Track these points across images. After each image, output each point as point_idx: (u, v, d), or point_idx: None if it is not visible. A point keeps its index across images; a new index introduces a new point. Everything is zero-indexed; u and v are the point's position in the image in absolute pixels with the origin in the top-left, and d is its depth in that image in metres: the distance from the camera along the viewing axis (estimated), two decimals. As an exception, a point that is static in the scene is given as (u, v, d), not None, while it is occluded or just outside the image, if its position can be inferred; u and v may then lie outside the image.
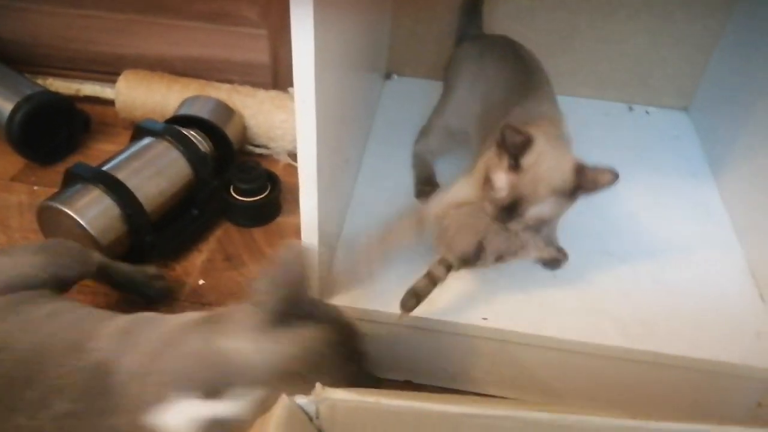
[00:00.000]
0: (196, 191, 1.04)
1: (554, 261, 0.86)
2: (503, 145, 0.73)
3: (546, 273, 0.87)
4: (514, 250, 0.79)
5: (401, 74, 1.27)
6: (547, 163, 0.73)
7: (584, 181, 0.73)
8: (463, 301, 0.83)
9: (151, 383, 0.60)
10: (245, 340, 0.61)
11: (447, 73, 1.08)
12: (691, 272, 0.91)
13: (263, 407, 0.49)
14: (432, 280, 0.76)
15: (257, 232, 1.06)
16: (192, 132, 1.06)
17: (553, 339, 0.80)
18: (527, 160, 0.73)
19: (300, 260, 0.65)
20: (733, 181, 1.04)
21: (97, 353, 0.63)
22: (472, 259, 0.78)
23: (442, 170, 1.03)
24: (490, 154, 0.77)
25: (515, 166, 0.73)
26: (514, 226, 0.77)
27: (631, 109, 1.24)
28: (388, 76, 1.27)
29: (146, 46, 1.23)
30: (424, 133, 1.07)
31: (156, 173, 0.99)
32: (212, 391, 0.58)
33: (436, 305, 0.81)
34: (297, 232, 0.76)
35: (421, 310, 0.76)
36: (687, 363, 0.80)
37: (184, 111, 1.11)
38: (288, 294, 0.62)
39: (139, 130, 1.03)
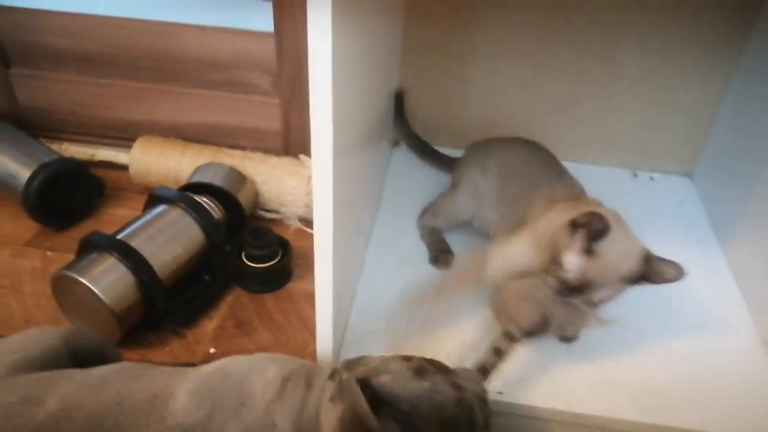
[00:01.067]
0: (208, 257, 1.05)
1: (573, 336, 0.88)
2: (584, 230, 0.74)
3: (558, 345, 0.87)
4: (576, 322, 0.81)
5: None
6: (619, 252, 0.75)
7: (651, 273, 0.76)
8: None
9: None
10: None
11: (456, 170, 1.09)
12: (703, 343, 0.91)
13: None
14: (498, 354, 0.76)
15: (268, 298, 1.06)
16: (205, 199, 1.08)
17: (566, 413, 0.80)
18: (602, 247, 0.74)
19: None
20: (740, 248, 1.06)
21: (182, 415, 0.63)
22: (536, 331, 0.78)
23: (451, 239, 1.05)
24: (559, 231, 0.78)
25: (589, 251, 0.74)
26: (575, 301, 0.78)
27: (635, 175, 1.27)
28: (395, 143, 1.30)
29: (160, 112, 1.27)
30: (430, 212, 1.08)
31: (170, 240, 1.00)
32: None
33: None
34: (308, 297, 0.77)
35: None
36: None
37: (198, 178, 1.13)
38: None
39: (153, 198, 1.05)
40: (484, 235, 1.00)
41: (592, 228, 0.74)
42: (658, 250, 1.06)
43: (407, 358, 0.67)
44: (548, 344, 0.86)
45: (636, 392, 0.83)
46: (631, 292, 0.96)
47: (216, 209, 1.08)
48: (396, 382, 0.61)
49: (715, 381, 0.85)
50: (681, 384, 0.85)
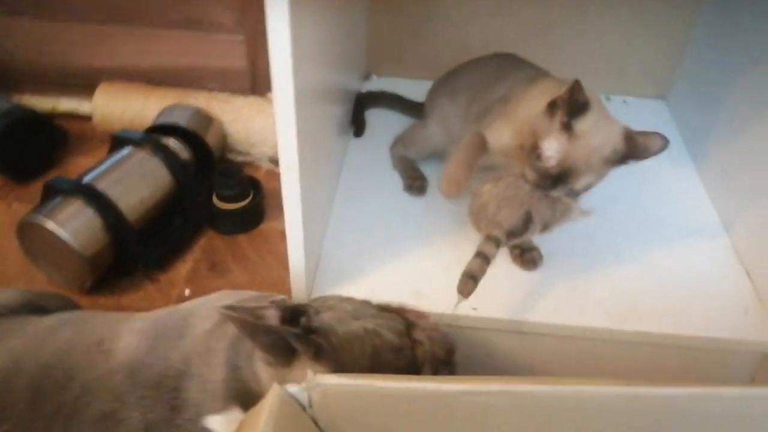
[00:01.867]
0: (178, 199, 1.03)
1: (532, 262, 0.87)
2: (566, 101, 0.70)
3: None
4: (559, 216, 0.77)
5: (380, 74, 1.27)
6: (599, 131, 0.71)
7: (635, 149, 0.72)
8: (450, 293, 0.83)
9: (210, 390, 0.60)
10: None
11: (426, 99, 1.07)
12: (676, 255, 0.92)
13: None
14: (485, 259, 0.73)
15: (242, 239, 1.05)
16: (171, 140, 1.05)
17: (539, 324, 0.81)
18: (581, 126, 0.70)
19: None
20: (713, 166, 1.06)
21: (129, 354, 0.63)
22: (520, 231, 0.75)
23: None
24: (537, 118, 0.74)
25: (568, 129, 0.70)
26: (558, 193, 0.75)
27: (608, 99, 1.26)
28: (366, 77, 1.27)
29: (121, 57, 1.23)
30: (401, 143, 1.06)
31: (137, 182, 0.98)
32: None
33: (425, 298, 0.80)
34: (282, 236, 0.75)
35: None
36: (676, 341, 0.80)
37: (163, 120, 1.11)
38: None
39: (117, 141, 1.02)
40: None
41: (573, 100, 0.69)
42: (631, 168, 1.07)
43: (365, 302, 0.67)
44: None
45: (609, 303, 0.83)
46: (605, 206, 0.97)
47: (183, 150, 1.06)
48: (333, 319, 0.60)
49: (691, 290, 0.86)
50: (655, 294, 0.85)
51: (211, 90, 1.21)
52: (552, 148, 0.71)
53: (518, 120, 0.79)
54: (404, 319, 0.67)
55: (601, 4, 1.16)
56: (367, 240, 0.90)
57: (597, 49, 1.22)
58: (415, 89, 1.12)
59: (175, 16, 1.17)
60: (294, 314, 0.59)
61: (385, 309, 0.68)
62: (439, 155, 0.99)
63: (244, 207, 1.03)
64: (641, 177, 1.05)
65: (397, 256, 0.88)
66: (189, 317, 0.67)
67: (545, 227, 0.77)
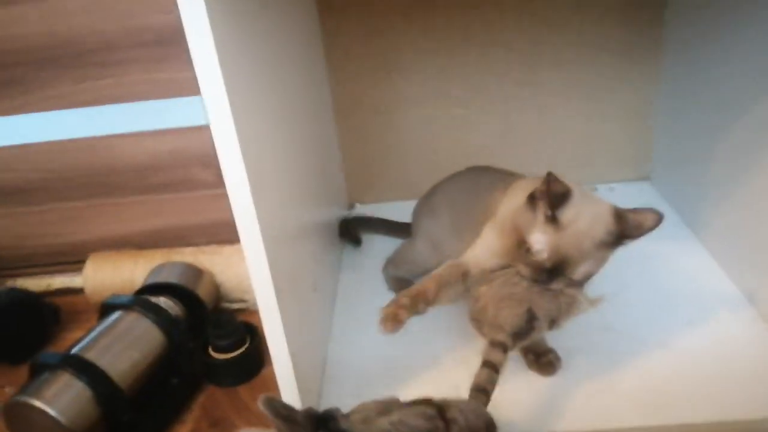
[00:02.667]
0: (173, 358, 0.99)
1: (549, 365, 0.82)
2: (545, 195, 0.67)
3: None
4: (565, 309, 0.72)
5: (363, 202, 1.29)
6: (587, 216, 0.68)
7: (628, 228, 0.68)
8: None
9: None
10: None
11: (412, 220, 1.05)
12: (701, 334, 0.87)
13: None
14: (493, 368, 0.68)
15: (243, 390, 0.99)
16: (162, 299, 1.04)
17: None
18: (566, 215, 0.67)
19: None
20: (716, 235, 1.03)
21: None
22: (526, 331, 0.70)
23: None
24: (519, 212, 0.71)
25: (553, 221, 0.67)
26: (557, 285, 0.70)
27: (595, 189, 1.25)
28: (351, 206, 1.28)
29: (107, 227, 1.25)
30: (392, 264, 1.04)
31: (127, 346, 0.95)
32: None
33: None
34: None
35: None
36: (717, 429, 0.73)
37: (152, 280, 1.10)
38: None
39: (106, 307, 1.00)
40: None
41: (551, 192, 0.67)
42: (639, 256, 1.04)
43: (393, 399, 0.62)
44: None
45: (638, 397, 0.77)
46: (616, 292, 0.93)
47: (174, 307, 1.04)
48: (361, 420, 0.56)
49: (720, 367, 0.80)
50: (687, 379, 0.79)
51: (198, 245, 1.21)
52: (540, 241, 0.68)
53: (501, 223, 0.77)
54: (435, 404, 0.61)
55: (556, 99, 1.20)
56: (371, 366, 0.86)
57: (563, 144, 1.24)
58: (399, 211, 1.12)
59: (154, 182, 1.21)
60: (323, 419, 0.56)
61: (413, 402, 0.62)
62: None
63: (242, 355, 0.99)
64: (649, 262, 1.01)
65: (402, 381, 0.83)
66: None
67: (553, 323, 0.73)
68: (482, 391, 0.67)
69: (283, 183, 0.73)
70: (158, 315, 0.99)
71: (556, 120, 1.21)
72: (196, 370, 1.01)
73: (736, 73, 0.93)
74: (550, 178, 0.67)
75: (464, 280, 0.77)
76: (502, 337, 0.70)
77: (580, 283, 0.72)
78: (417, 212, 1.04)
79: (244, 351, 1.00)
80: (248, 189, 0.60)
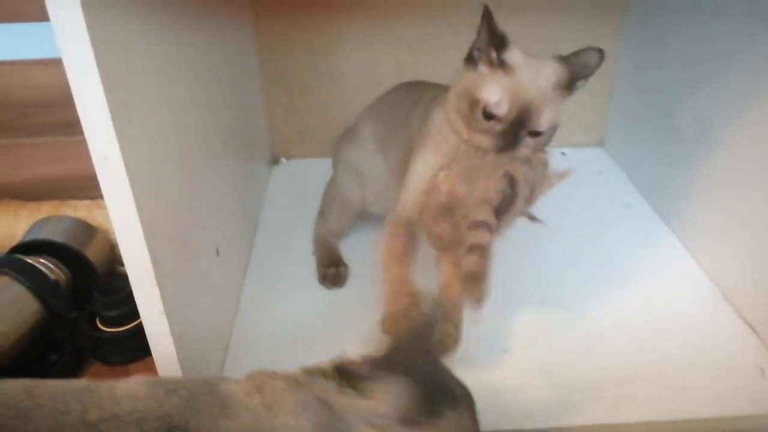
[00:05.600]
0: (51, 330, 0.84)
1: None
2: (487, 36, 0.60)
3: (495, 349, 0.70)
4: (539, 175, 0.63)
5: (289, 156, 1.14)
6: (533, 60, 0.62)
7: (576, 67, 0.62)
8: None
9: None
10: None
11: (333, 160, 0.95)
12: (658, 313, 0.78)
13: None
14: (482, 251, 0.58)
15: (135, 369, 0.85)
16: (40, 260, 0.87)
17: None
18: (512, 58, 0.61)
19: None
20: (670, 203, 0.95)
21: None
22: (510, 198, 0.61)
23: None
24: (460, 79, 0.64)
25: (501, 66, 0.60)
26: (522, 151, 0.62)
27: (545, 152, 1.15)
28: (275, 161, 1.13)
29: (-15, 173, 1.06)
30: (322, 215, 0.94)
31: (-9, 316, 0.79)
32: None
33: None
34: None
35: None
36: (687, 427, 0.64)
37: (32, 236, 0.93)
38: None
39: (-33, 268, 0.83)
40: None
41: (493, 30, 0.60)
42: (589, 220, 0.95)
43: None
44: (492, 359, 0.70)
45: (600, 391, 0.67)
46: (570, 270, 0.83)
47: (56, 270, 0.88)
48: None
49: (687, 357, 0.71)
50: (650, 369, 0.70)
51: (95, 198, 1.04)
52: (495, 92, 0.60)
53: (436, 131, 0.69)
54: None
55: (517, 44, 1.07)
56: (283, 340, 0.73)
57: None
58: (329, 167, 0.98)
59: (45, 121, 1.03)
60: None
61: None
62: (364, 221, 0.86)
63: (134, 328, 0.84)
64: (602, 230, 0.93)
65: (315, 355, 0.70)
66: None
67: (532, 192, 0.63)
68: (474, 278, 0.57)
69: (170, 129, 0.58)
70: (33, 279, 0.83)
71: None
72: (80, 345, 0.86)
73: (698, 41, 0.86)
74: (488, 15, 0.60)
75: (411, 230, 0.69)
76: (483, 214, 0.59)
77: (543, 141, 0.64)
78: (336, 145, 0.93)
79: (137, 324, 0.85)
80: (112, 132, 0.46)
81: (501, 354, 0.71)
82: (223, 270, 0.76)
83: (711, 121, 0.82)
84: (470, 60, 0.63)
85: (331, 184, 0.92)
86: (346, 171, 0.88)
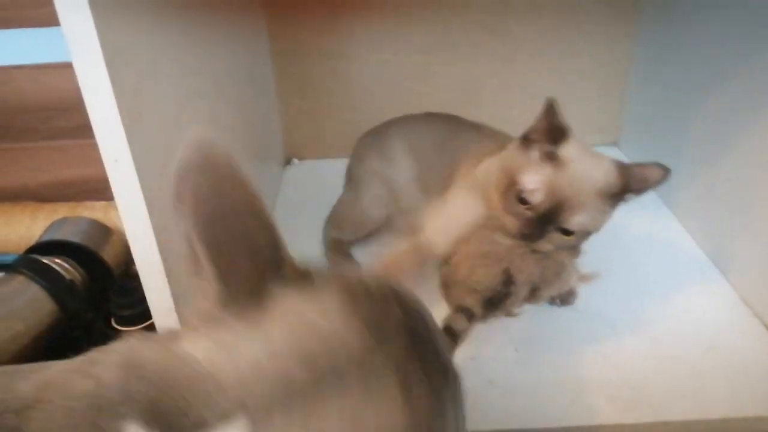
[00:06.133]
0: (68, 330, 0.85)
1: (570, 293, 0.71)
2: (544, 126, 0.59)
3: (507, 348, 0.70)
4: (551, 277, 0.63)
5: (301, 158, 1.14)
6: (587, 160, 0.60)
7: (632, 181, 0.60)
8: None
9: None
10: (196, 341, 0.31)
11: (350, 168, 0.92)
12: (674, 315, 0.76)
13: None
14: (453, 336, 0.59)
15: (149, 367, 0.86)
16: (56, 260, 0.88)
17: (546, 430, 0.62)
18: (566, 152, 0.59)
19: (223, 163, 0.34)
20: (688, 205, 0.93)
21: None
22: (500, 295, 0.61)
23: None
24: (508, 154, 0.62)
25: (551, 158, 0.59)
26: (544, 245, 0.61)
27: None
28: (287, 162, 1.14)
29: (3, 177, 1.07)
30: (335, 225, 0.91)
31: (8, 316, 0.80)
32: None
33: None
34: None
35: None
36: (700, 428, 0.63)
37: (48, 237, 0.94)
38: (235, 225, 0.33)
39: (-15, 268, 0.85)
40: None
41: (552, 122, 0.59)
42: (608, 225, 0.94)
43: None
44: (504, 359, 0.69)
45: (611, 390, 0.66)
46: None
47: (72, 270, 0.89)
48: None
49: (702, 358, 0.70)
50: (664, 371, 0.68)
51: (110, 200, 1.05)
52: (534, 180, 0.59)
53: (475, 188, 0.67)
54: None
55: (527, 52, 1.07)
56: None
57: (531, 101, 1.10)
58: (343, 169, 0.98)
59: (62, 125, 1.04)
60: None
61: None
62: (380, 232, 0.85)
63: (149, 328, 0.85)
64: (617, 232, 0.91)
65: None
66: None
67: (534, 293, 0.63)
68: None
69: (183, 132, 0.59)
70: (49, 279, 0.84)
71: (523, 75, 1.09)
72: (95, 345, 0.86)
73: (712, 40, 0.84)
74: (550, 107, 0.59)
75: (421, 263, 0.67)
76: (471, 301, 0.61)
77: (571, 242, 0.63)
78: (360, 157, 0.89)
79: (151, 323, 0.86)
80: (123, 136, 0.47)
81: (512, 353, 0.70)
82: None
83: (728, 120, 0.81)
84: (525, 140, 0.62)
85: (355, 198, 0.87)
86: (376, 187, 0.84)
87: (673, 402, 0.64)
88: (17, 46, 0.99)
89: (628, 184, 0.61)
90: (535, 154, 0.60)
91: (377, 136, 0.88)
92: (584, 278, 0.65)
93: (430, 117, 0.85)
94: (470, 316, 0.60)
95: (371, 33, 1.04)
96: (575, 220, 0.60)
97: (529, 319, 0.74)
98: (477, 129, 0.80)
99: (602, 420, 0.62)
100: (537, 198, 0.59)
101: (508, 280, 0.61)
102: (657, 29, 1.01)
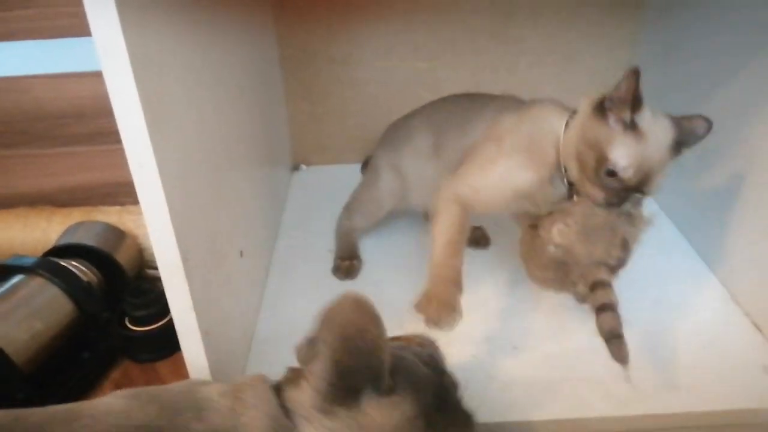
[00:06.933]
0: (84, 330, 0.87)
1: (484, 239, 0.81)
2: (627, 96, 0.60)
3: (506, 346, 0.72)
4: (636, 231, 0.65)
5: (309, 164, 1.17)
6: (659, 123, 0.62)
7: (686, 135, 0.63)
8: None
9: None
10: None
11: (371, 158, 0.95)
12: (667, 314, 0.79)
13: None
14: (613, 310, 0.61)
15: (161, 366, 0.88)
16: (73, 263, 0.91)
17: (528, 423, 0.65)
18: (644, 121, 0.61)
19: (361, 308, 0.46)
20: (682, 207, 0.95)
21: None
22: (624, 261, 0.64)
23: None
24: (587, 127, 0.63)
25: (633, 128, 0.60)
26: (628, 205, 0.64)
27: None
28: (295, 167, 1.17)
29: (22, 182, 1.11)
30: (350, 209, 0.95)
31: (28, 316, 0.82)
32: None
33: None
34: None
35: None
36: (690, 420, 0.65)
37: (65, 241, 0.97)
38: (349, 356, 0.44)
39: (6, 269, 0.87)
40: (422, 208, 0.89)
41: (636, 93, 0.60)
42: None
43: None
44: (503, 355, 0.72)
45: (607, 386, 0.68)
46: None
47: (88, 272, 0.92)
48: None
49: (693, 355, 0.73)
50: (656, 366, 0.71)
51: (125, 204, 1.08)
52: (625, 156, 0.61)
53: (534, 150, 0.68)
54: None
55: (529, 57, 1.10)
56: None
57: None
58: (351, 174, 1.01)
59: (76, 131, 1.07)
60: None
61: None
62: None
63: (162, 327, 0.88)
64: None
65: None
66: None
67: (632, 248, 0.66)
68: (618, 336, 0.59)
69: (199, 138, 0.62)
70: (67, 280, 0.87)
71: (527, 80, 1.11)
72: (111, 344, 0.89)
73: (711, 48, 0.86)
74: (635, 76, 0.60)
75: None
76: (604, 274, 0.63)
77: (640, 201, 0.66)
78: (380, 145, 0.93)
79: (164, 323, 0.88)
80: (148, 141, 0.49)
81: (511, 350, 0.73)
82: (246, 271, 0.80)
83: (724, 122, 0.83)
84: (600, 109, 0.63)
85: (369, 184, 0.92)
86: (390, 174, 0.88)
87: (665, 396, 0.66)
88: (35, 57, 1.02)
89: (683, 138, 0.63)
90: (616, 124, 0.61)
91: (399, 125, 0.91)
92: (649, 222, 0.66)
93: (449, 99, 0.88)
94: (610, 285, 0.62)
95: (378, 40, 1.07)
96: (657, 185, 0.63)
97: (528, 318, 0.76)
98: (490, 96, 0.82)
99: (596, 413, 0.64)
100: (629, 173, 0.61)
101: (625, 245, 0.63)
102: (657, 35, 1.03)
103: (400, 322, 0.76)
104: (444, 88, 1.09)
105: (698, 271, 0.86)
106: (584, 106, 0.65)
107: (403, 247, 0.93)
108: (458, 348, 0.73)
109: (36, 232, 1.04)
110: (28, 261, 0.88)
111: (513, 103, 0.76)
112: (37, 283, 0.86)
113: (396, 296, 0.80)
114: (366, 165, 1.02)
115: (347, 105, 1.12)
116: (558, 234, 0.64)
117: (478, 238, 0.93)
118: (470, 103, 0.81)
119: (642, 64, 1.04)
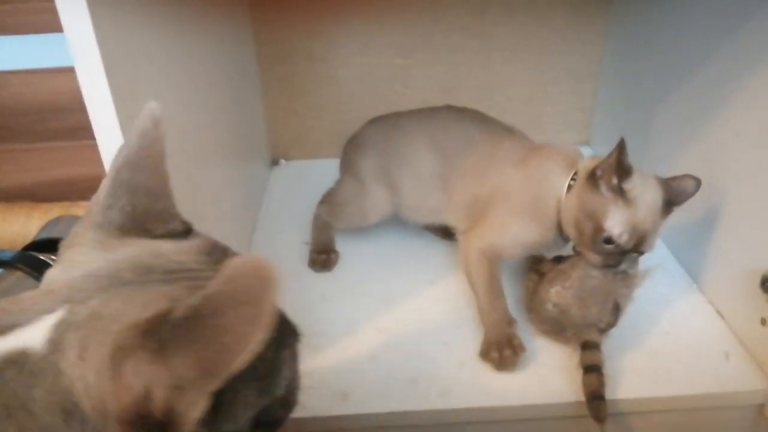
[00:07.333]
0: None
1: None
2: (613, 166, 0.65)
3: (477, 333, 0.75)
4: (631, 290, 0.71)
5: (288, 158, 1.19)
6: (646, 187, 0.67)
7: (674, 195, 0.68)
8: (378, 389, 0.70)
9: None
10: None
11: (354, 160, 0.91)
12: (635, 301, 0.80)
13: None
14: (599, 371, 0.66)
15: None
16: (52, 257, 0.92)
17: (501, 408, 0.68)
18: (631, 187, 0.65)
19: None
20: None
21: None
22: (614, 324, 0.70)
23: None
24: (584, 198, 0.68)
25: (621, 194, 0.65)
26: (625, 266, 0.69)
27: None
28: (274, 163, 1.18)
29: (1, 177, 1.11)
30: (330, 211, 0.92)
31: (6, 310, 0.83)
32: None
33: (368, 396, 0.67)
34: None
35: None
36: (654, 405, 0.68)
37: (45, 235, 0.97)
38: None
39: (-17, 264, 0.88)
40: (413, 222, 0.90)
41: (622, 162, 0.65)
42: None
43: None
44: (472, 339, 0.75)
45: (574, 372, 0.70)
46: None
47: (68, 267, 0.92)
48: None
49: (659, 341, 0.75)
50: (623, 353, 0.73)
51: (104, 198, 1.09)
52: (618, 224, 0.66)
53: (539, 211, 0.73)
54: None
55: (504, 53, 1.12)
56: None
57: (509, 101, 1.16)
58: (328, 169, 1.02)
59: (56, 126, 1.08)
60: None
61: None
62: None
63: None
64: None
65: (315, 349, 0.74)
66: None
67: (624, 308, 0.72)
68: (600, 398, 0.64)
69: (174, 132, 0.62)
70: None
71: (502, 75, 1.14)
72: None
73: (680, 42, 0.88)
74: (622, 147, 0.65)
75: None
76: (594, 335, 0.68)
77: (637, 260, 0.72)
78: (367, 150, 0.89)
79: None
80: (121, 137, 0.51)
81: (481, 337, 0.75)
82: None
83: (693, 118, 0.85)
84: (593, 177, 0.67)
85: (355, 193, 0.89)
86: (382, 191, 0.87)
87: (630, 380, 0.69)
88: (14, 52, 1.02)
89: (672, 198, 0.68)
90: (606, 192, 0.66)
91: (391, 129, 0.88)
92: (645, 277, 0.72)
93: (446, 111, 0.87)
94: (599, 346, 0.68)
95: (355, 36, 1.09)
96: (651, 243, 0.68)
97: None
98: (506, 132, 0.84)
99: (564, 398, 0.67)
100: (624, 239, 0.66)
101: (616, 309, 0.69)
102: (627, 28, 1.05)
103: (376, 313, 0.79)
104: (420, 84, 1.12)
105: (664, 260, 0.88)
106: (582, 171, 0.70)
107: (381, 240, 0.94)
108: (431, 336, 0.75)
109: (15, 227, 1.04)
110: (7, 255, 0.89)
111: (521, 147, 0.80)
112: (16, 277, 0.87)
113: (373, 288, 0.84)
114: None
115: (325, 101, 1.13)
116: (556, 295, 0.70)
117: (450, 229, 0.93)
118: (481, 143, 0.82)
119: (613, 56, 1.09)
